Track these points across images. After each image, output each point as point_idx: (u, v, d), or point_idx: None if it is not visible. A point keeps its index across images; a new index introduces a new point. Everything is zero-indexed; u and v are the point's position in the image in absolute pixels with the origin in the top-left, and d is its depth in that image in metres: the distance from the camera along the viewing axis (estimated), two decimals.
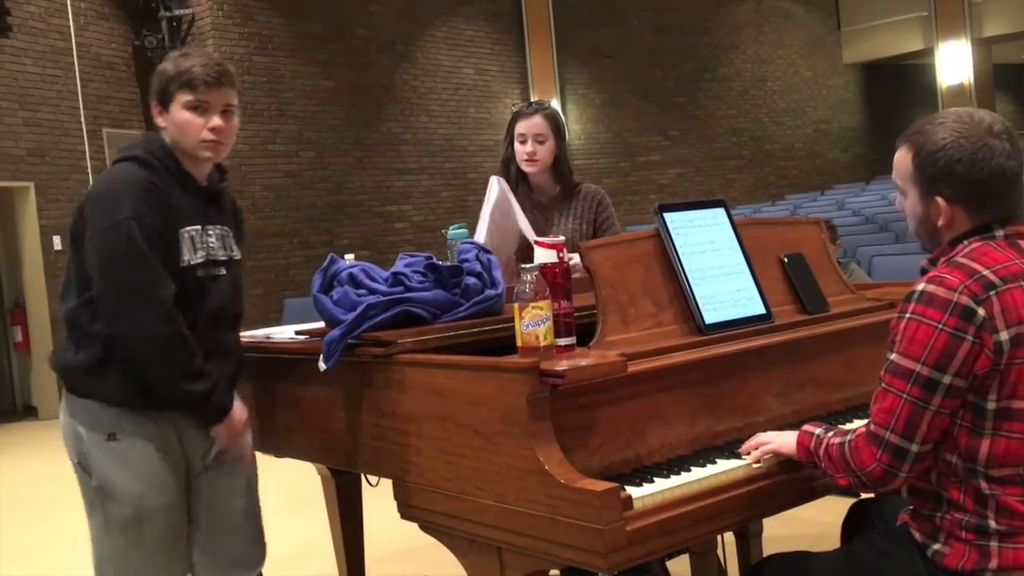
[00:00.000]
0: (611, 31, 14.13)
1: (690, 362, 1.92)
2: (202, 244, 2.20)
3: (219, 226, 2.27)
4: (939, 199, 1.65)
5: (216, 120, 2.16)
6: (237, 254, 2.32)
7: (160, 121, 2.21)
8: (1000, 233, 1.64)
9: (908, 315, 1.58)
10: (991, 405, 1.55)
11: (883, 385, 1.62)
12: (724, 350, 1.98)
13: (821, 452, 1.70)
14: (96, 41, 9.70)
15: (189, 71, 2.14)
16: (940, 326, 1.54)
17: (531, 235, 2.72)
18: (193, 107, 2.15)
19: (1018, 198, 1.65)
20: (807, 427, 1.78)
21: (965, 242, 1.65)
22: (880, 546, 1.74)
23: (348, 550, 2.88)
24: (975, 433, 1.57)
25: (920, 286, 1.59)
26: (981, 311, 1.53)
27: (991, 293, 1.55)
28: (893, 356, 1.60)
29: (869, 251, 6.81)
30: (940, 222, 1.66)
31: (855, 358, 2.18)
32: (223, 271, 2.25)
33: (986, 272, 1.57)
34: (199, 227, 2.20)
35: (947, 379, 1.54)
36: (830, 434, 1.72)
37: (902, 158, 1.70)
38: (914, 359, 1.56)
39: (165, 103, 2.18)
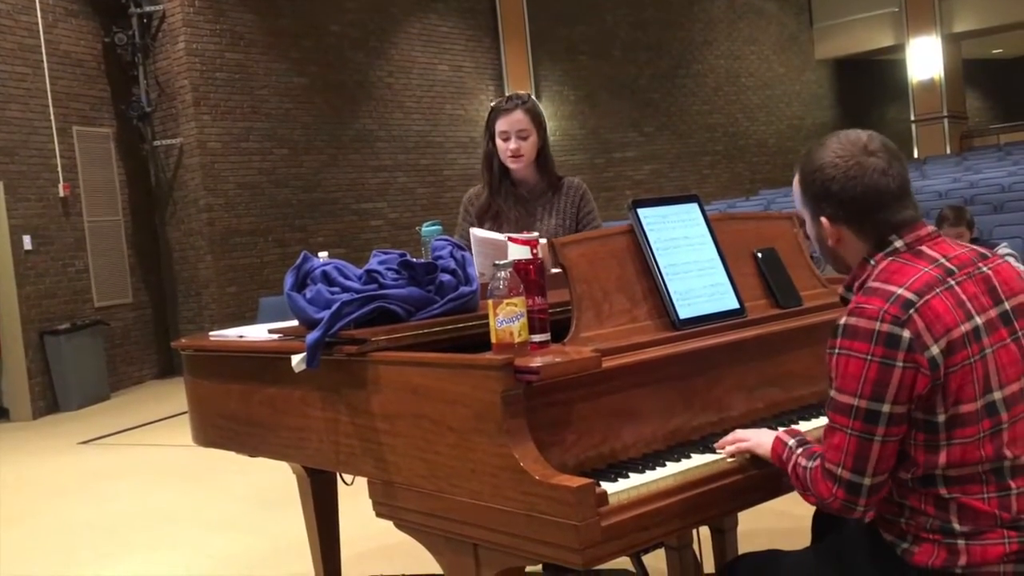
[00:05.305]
0: (586, 27, 14.14)
1: (664, 357, 1.92)
2: None
3: None
4: (823, 219, 1.68)
5: None
6: None
7: None
8: (900, 244, 1.64)
9: (836, 351, 1.57)
10: (940, 418, 1.54)
11: (829, 422, 1.61)
12: (698, 345, 1.99)
13: (789, 468, 1.70)
14: (65, 38, 9.57)
15: None
16: (868, 357, 1.53)
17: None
18: None
19: (904, 208, 1.65)
20: (782, 435, 1.77)
21: (872, 262, 1.66)
22: (849, 545, 1.75)
23: (324, 549, 2.86)
24: (931, 449, 1.56)
25: (843, 320, 1.58)
26: (906, 333, 1.52)
27: (911, 312, 1.53)
28: (832, 392, 1.60)
29: None
30: (830, 242, 1.70)
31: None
32: None
33: (900, 291, 1.55)
34: None
35: (886, 408, 1.53)
36: (799, 451, 1.70)
37: (795, 184, 1.75)
38: (850, 393, 1.55)
39: None
